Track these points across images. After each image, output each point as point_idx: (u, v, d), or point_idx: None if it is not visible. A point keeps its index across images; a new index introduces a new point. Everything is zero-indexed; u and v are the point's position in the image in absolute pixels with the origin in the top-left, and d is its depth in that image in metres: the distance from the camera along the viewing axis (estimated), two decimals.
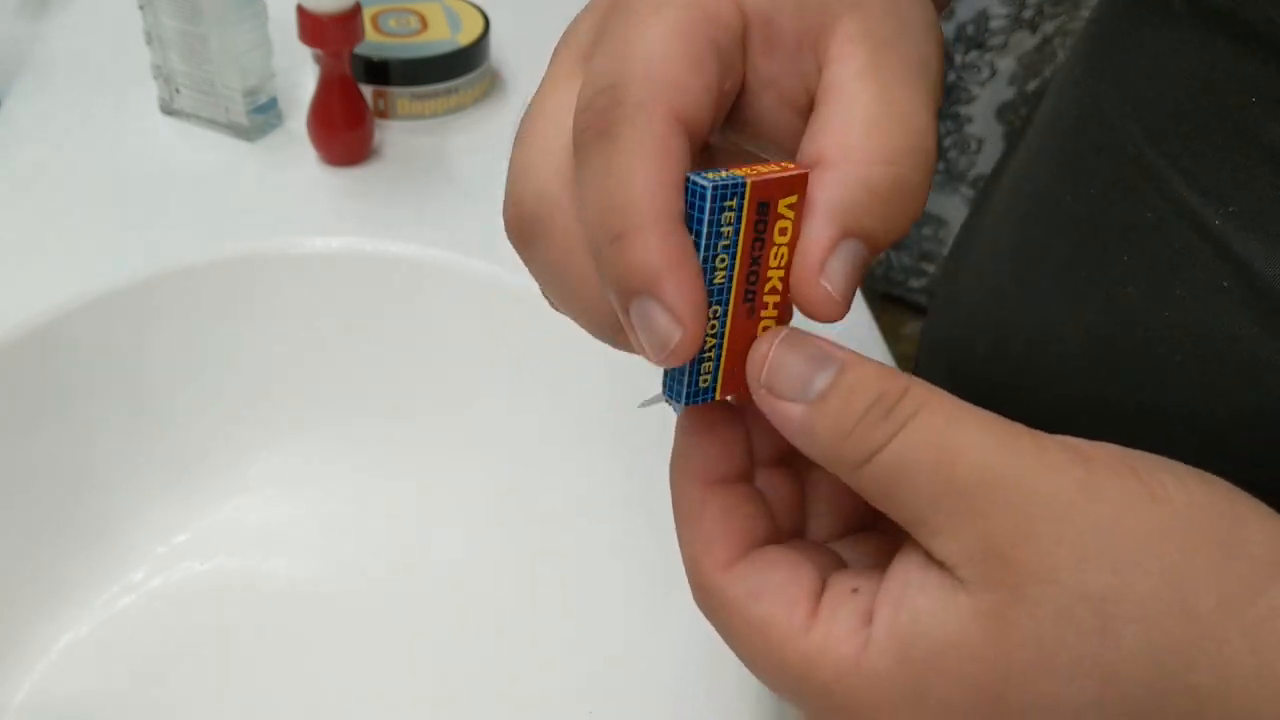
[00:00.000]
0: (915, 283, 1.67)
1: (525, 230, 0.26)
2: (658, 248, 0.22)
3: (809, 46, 0.24)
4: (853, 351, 0.23)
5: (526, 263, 0.27)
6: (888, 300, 1.68)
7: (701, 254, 0.23)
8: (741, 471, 0.26)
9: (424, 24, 0.65)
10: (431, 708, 0.49)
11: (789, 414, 0.23)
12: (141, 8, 0.58)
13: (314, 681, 0.49)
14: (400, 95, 0.63)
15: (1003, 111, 1.50)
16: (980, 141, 1.53)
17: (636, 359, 0.26)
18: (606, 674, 0.48)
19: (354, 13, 0.55)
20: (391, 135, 0.62)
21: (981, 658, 0.21)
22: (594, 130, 0.23)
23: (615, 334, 0.25)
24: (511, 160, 0.25)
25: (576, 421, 0.53)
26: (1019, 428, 0.23)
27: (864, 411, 0.22)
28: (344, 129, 0.58)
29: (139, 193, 0.56)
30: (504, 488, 0.54)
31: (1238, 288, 0.33)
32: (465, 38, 0.64)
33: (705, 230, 0.22)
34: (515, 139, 0.25)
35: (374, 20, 0.64)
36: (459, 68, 0.63)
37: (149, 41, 0.59)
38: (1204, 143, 0.35)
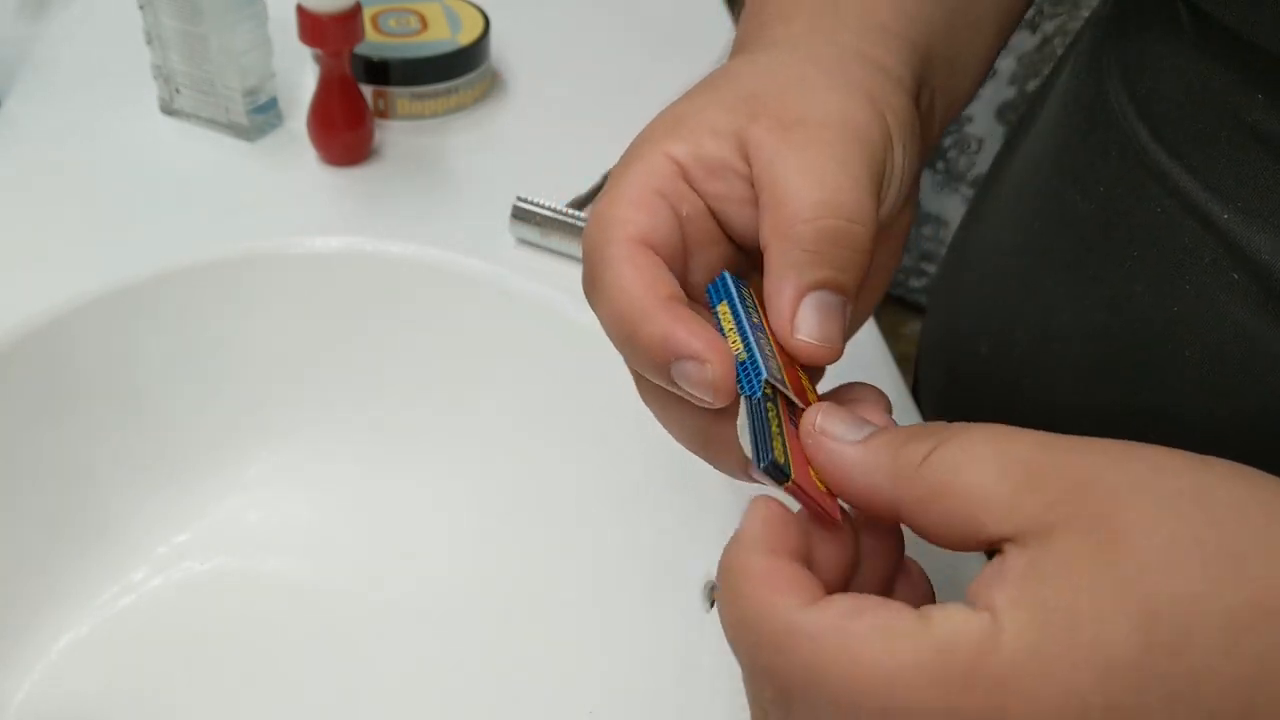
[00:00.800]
0: (915, 283, 1.67)
1: (640, 391, 0.30)
2: (652, 324, 0.26)
3: (736, 159, 0.28)
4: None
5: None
6: (887, 300, 1.69)
7: (741, 327, 0.27)
8: (805, 555, 0.26)
9: (424, 24, 0.65)
10: (431, 707, 0.49)
11: (843, 449, 0.25)
12: (141, 8, 0.58)
13: (314, 681, 0.49)
14: (400, 95, 0.63)
15: (1003, 111, 1.50)
16: (980, 141, 1.53)
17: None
18: (606, 674, 0.48)
19: (354, 13, 0.55)
20: (391, 135, 0.62)
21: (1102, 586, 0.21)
22: (587, 281, 0.29)
23: (701, 449, 0.29)
24: None
25: (576, 421, 0.53)
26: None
27: (910, 434, 0.24)
28: (344, 129, 0.58)
29: (139, 193, 0.56)
30: (504, 487, 0.54)
31: (1246, 282, 0.34)
32: (465, 38, 0.64)
33: (736, 306, 0.28)
34: None
35: (374, 20, 0.64)
36: (459, 68, 0.63)
37: (149, 41, 0.59)
38: (1210, 140, 0.35)
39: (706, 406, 0.26)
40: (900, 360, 0.54)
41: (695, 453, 0.29)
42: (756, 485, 0.27)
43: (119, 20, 0.67)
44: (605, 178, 0.59)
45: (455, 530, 0.54)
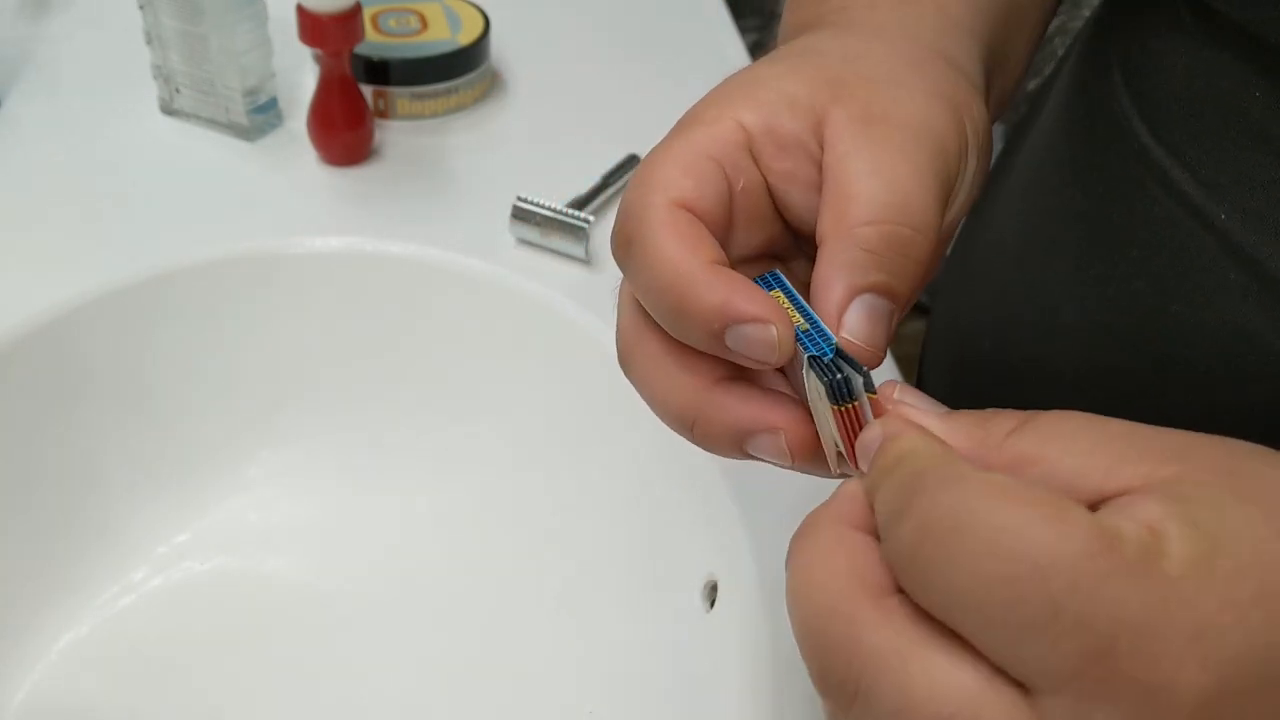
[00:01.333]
0: None
1: (625, 366, 0.29)
2: (708, 291, 0.25)
3: (811, 139, 0.27)
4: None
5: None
6: None
7: (798, 304, 0.27)
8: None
9: (424, 24, 0.65)
10: (431, 707, 0.49)
11: (927, 418, 0.24)
12: (141, 8, 0.58)
13: (314, 681, 0.49)
14: (400, 95, 0.63)
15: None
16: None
17: None
18: (606, 674, 0.48)
19: (354, 13, 0.55)
20: (391, 135, 0.62)
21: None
22: (622, 246, 0.27)
23: (686, 426, 0.28)
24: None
25: (577, 421, 0.53)
26: None
27: (994, 412, 0.24)
28: (344, 129, 0.58)
29: (139, 193, 0.56)
30: (504, 487, 0.54)
31: (1245, 281, 0.34)
32: (465, 37, 0.64)
33: (792, 294, 0.27)
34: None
35: (374, 20, 0.64)
36: (459, 68, 0.63)
37: (149, 41, 0.59)
38: (1209, 139, 0.35)
39: (762, 368, 0.26)
40: (901, 361, 0.54)
41: (682, 424, 0.28)
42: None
43: (119, 20, 0.67)
44: (605, 178, 0.59)
45: (455, 530, 0.54)
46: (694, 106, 0.29)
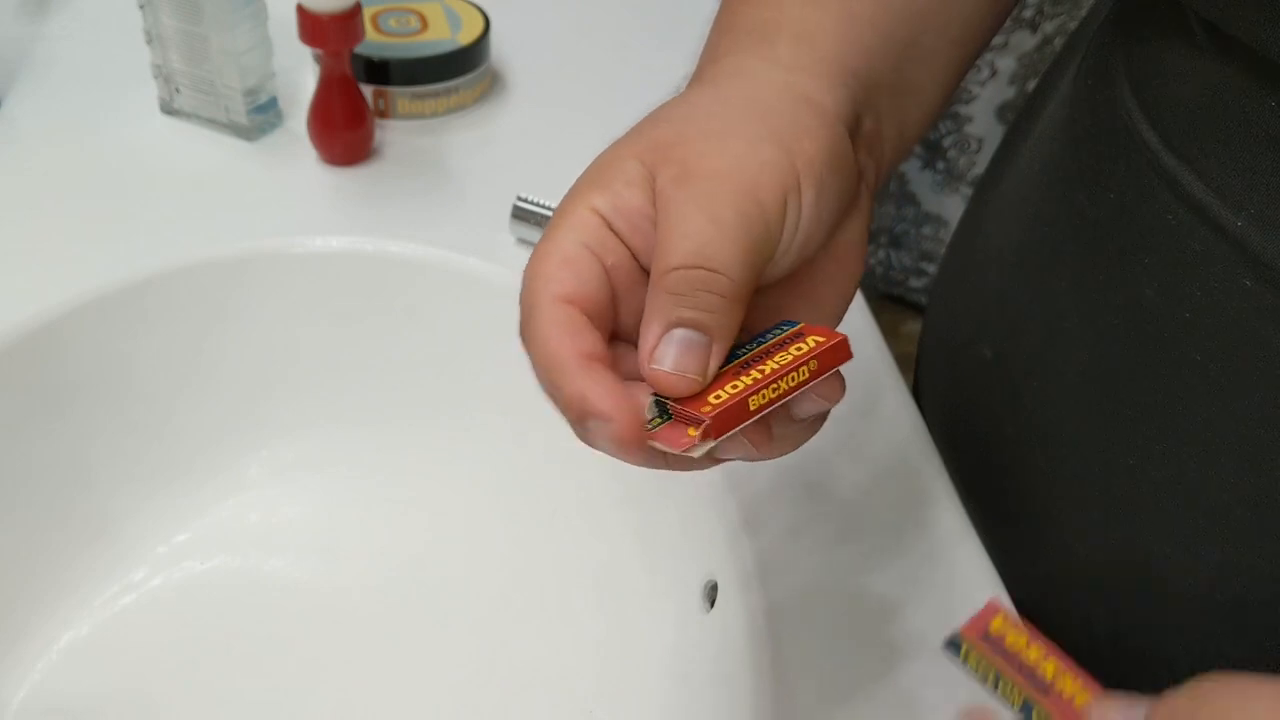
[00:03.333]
0: (915, 282, 1.67)
1: (526, 334, 0.32)
2: (570, 383, 0.28)
3: (650, 207, 0.31)
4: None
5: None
6: (888, 300, 1.69)
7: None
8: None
9: (424, 24, 0.65)
10: (431, 707, 0.49)
11: None
12: (141, 8, 0.58)
13: (314, 681, 0.49)
14: (400, 95, 0.63)
15: (1003, 111, 1.50)
16: (980, 141, 1.53)
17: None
18: (606, 674, 0.48)
19: (354, 12, 0.55)
20: (391, 135, 0.62)
21: None
22: (521, 336, 0.31)
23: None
24: None
25: None
26: None
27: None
28: (344, 129, 0.58)
29: (139, 193, 0.56)
30: (503, 487, 0.54)
31: (1258, 288, 0.34)
32: (465, 37, 0.64)
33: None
34: None
35: (374, 20, 0.64)
36: (459, 67, 0.63)
37: (149, 41, 0.59)
38: (1222, 145, 0.35)
39: (617, 456, 0.29)
40: (900, 360, 0.54)
41: (547, 379, 0.31)
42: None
43: (119, 20, 0.67)
44: None
45: (454, 530, 0.54)
46: (564, 198, 0.33)
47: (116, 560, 0.51)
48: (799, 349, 0.30)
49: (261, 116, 0.60)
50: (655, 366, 0.29)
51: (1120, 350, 0.39)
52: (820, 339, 0.30)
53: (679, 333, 0.29)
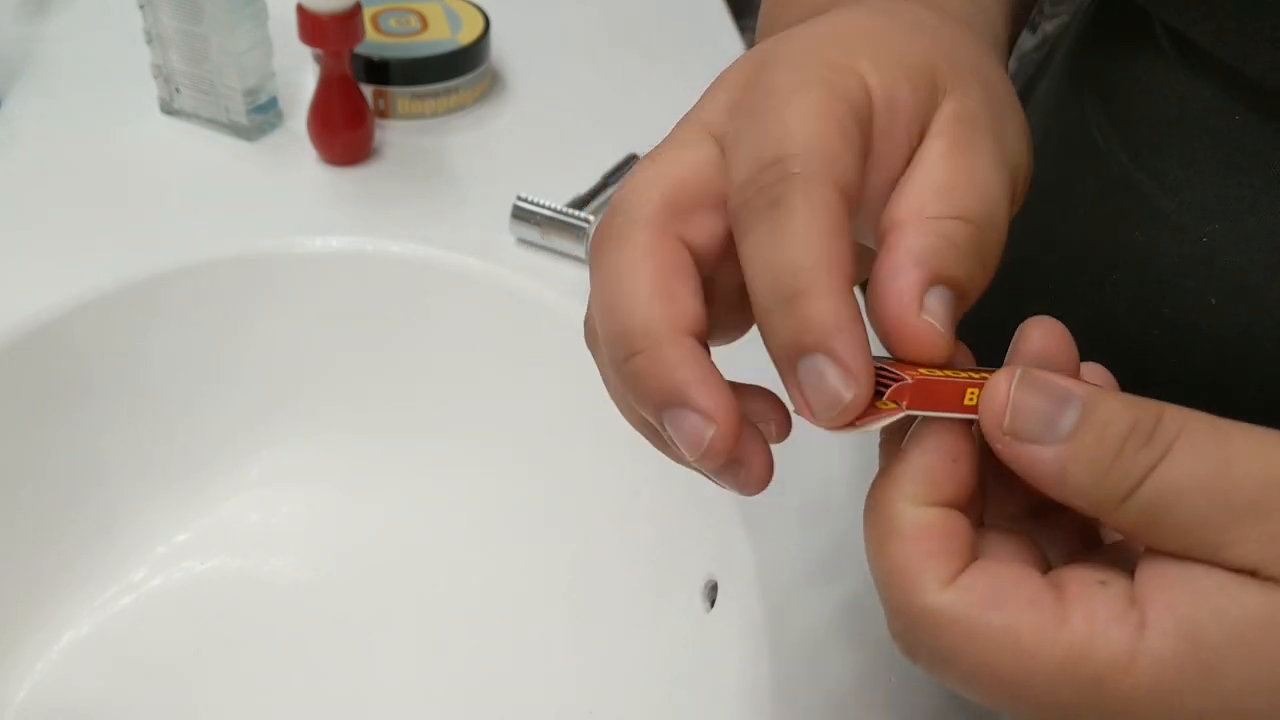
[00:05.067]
0: None
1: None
2: (833, 308, 0.22)
3: (918, 122, 0.25)
4: (1093, 384, 0.23)
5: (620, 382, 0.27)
6: None
7: None
8: (965, 501, 0.24)
9: (424, 24, 0.65)
10: (431, 707, 0.49)
11: (1039, 457, 0.22)
12: (141, 8, 0.58)
13: (314, 681, 0.49)
14: (400, 95, 0.63)
15: None
16: None
17: None
18: (607, 674, 0.48)
19: (354, 12, 0.55)
20: (391, 135, 0.62)
21: None
22: (764, 199, 0.23)
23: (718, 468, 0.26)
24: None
25: (576, 421, 0.53)
26: None
27: (1121, 444, 0.22)
28: (344, 129, 0.58)
29: (139, 193, 0.56)
30: (503, 487, 0.54)
31: (1227, 304, 0.34)
32: (465, 37, 0.64)
33: None
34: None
35: (374, 20, 0.64)
36: (459, 67, 0.63)
37: (149, 41, 0.59)
38: (1189, 160, 0.35)
39: (684, 462, 0.25)
40: None
41: (628, 341, 0.25)
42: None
43: (119, 20, 0.67)
44: (605, 178, 0.59)
45: (454, 530, 0.54)
46: (802, 42, 0.26)
47: (116, 560, 0.51)
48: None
49: (261, 116, 0.60)
50: (929, 318, 0.23)
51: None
52: None
53: (944, 291, 0.24)
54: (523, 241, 0.56)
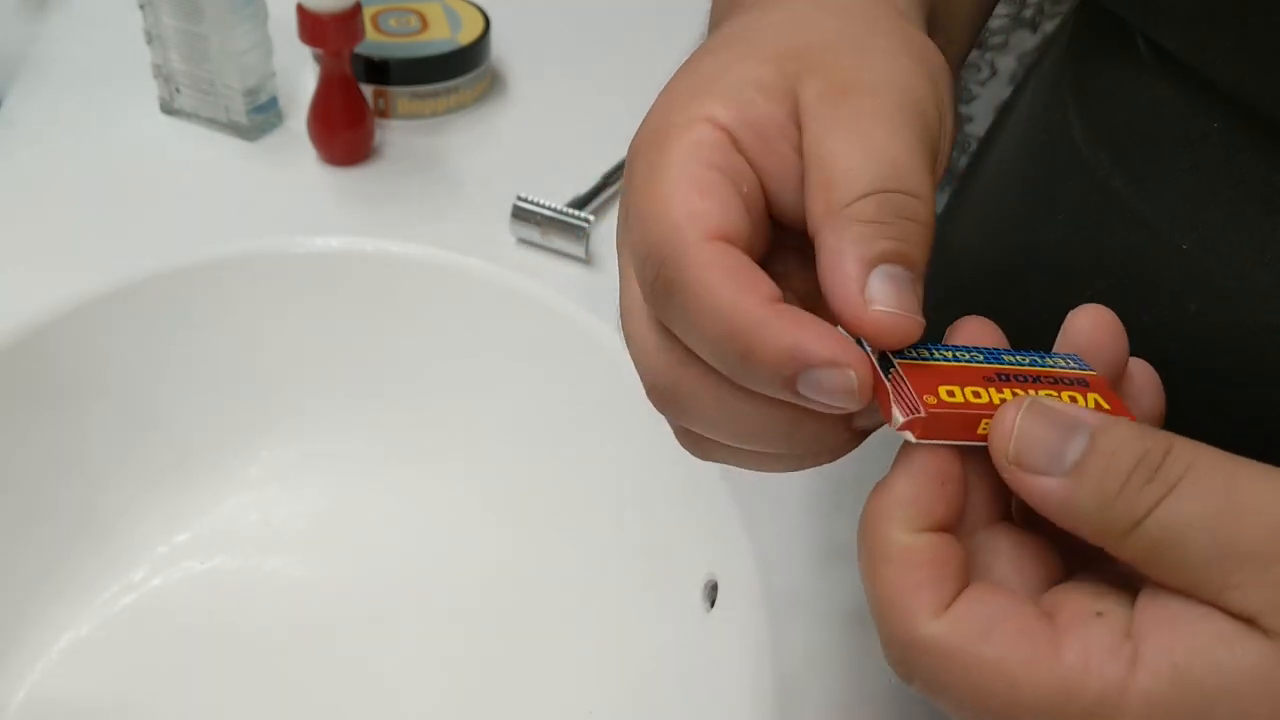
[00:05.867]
0: None
1: (673, 404, 0.27)
2: (781, 337, 0.22)
3: (789, 123, 0.25)
4: (1101, 413, 0.23)
5: (684, 426, 0.27)
6: None
7: None
8: (954, 522, 0.24)
9: (424, 23, 0.65)
10: (431, 707, 0.49)
11: (1046, 489, 0.22)
12: (141, 7, 0.58)
13: (314, 681, 0.49)
14: (400, 95, 0.63)
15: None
16: (980, 141, 1.54)
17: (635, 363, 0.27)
18: (606, 674, 0.48)
19: (354, 12, 0.55)
20: (391, 135, 0.62)
21: None
22: (660, 290, 0.24)
23: (800, 460, 0.26)
24: (630, 352, 0.27)
25: (576, 421, 0.53)
26: None
27: (1127, 476, 0.22)
28: (344, 129, 0.58)
29: (139, 193, 0.56)
30: (504, 487, 0.54)
31: (1205, 310, 0.34)
32: (465, 37, 0.64)
33: None
34: (624, 334, 0.27)
35: (374, 20, 0.64)
36: (459, 67, 0.63)
37: (149, 41, 0.59)
38: (1168, 167, 0.35)
39: (837, 412, 0.24)
40: None
41: (732, 344, 0.24)
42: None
43: (119, 20, 0.67)
44: (605, 178, 0.59)
45: (454, 529, 0.54)
46: (651, 115, 0.27)
47: (116, 560, 0.51)
48: (1074, 399, 0.24)
49: (261, 116, 0.60)
50: (879, 307, 0.23)
51: None
52: (1105, 405, 0.24)
53: (886, 268, 0.23)
54: (523, 241, 0.56)
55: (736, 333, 0.23)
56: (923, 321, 0.24)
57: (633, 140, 0.27)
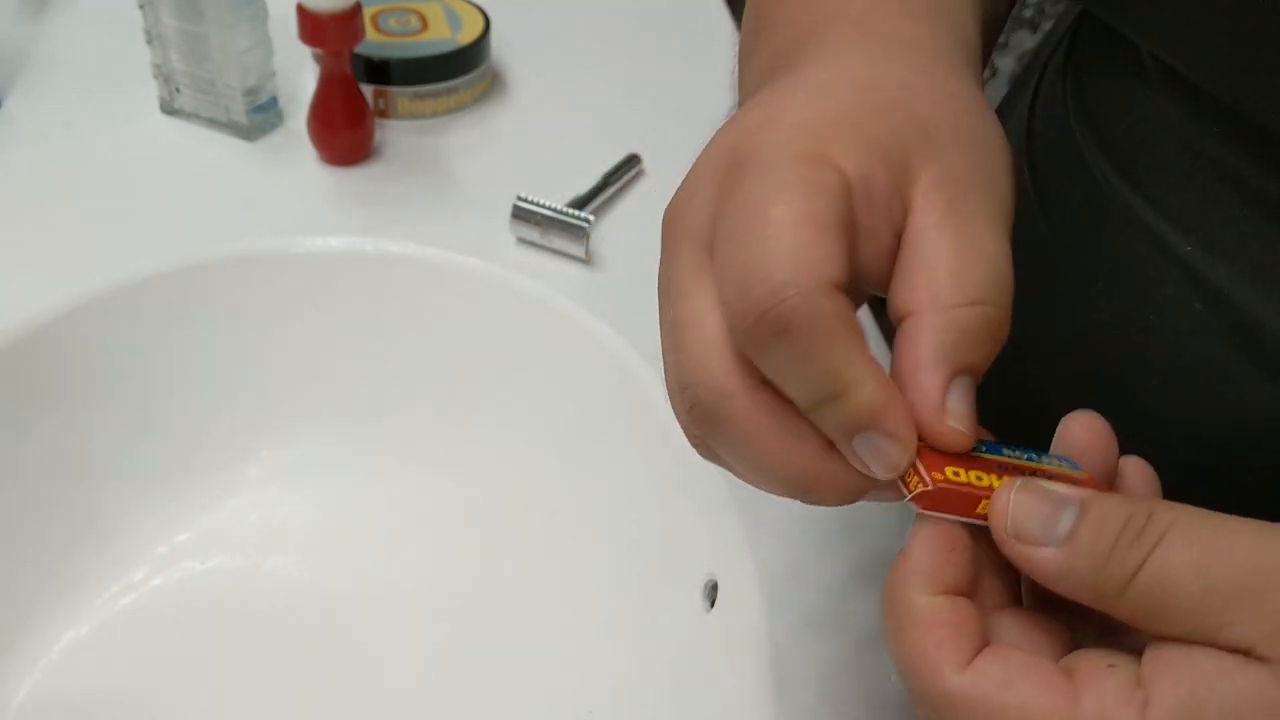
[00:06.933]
0: None
1: (708, 422, 0.27)
2: (873, 395, 0.24)
3: (897, 197, 0.26)
4: (1088, 489, 0.25)
5: (711, 445, 0.28)
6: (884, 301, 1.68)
7: None
8: (968, 585, 0.26)
9: (424, 23, 0.65)
10: (431, 707, 0.49)
11: (1043, 557, 0.24)
12: (141, 7, 0.58)
13: (314, 681, 0.49)
14: (400, 95, 0.63)
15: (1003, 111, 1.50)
16: None
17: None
18: (606, 674, 0.48)
19: (354, 12, 0.55)
20: (391, 135, 0.62)
21: None
22: (768, 327, 0.24)
23: (805, 491, 0.27)
24: (674, 364, 0.27)
25: (576, 421, 0.53)
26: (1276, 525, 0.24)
27: (1116, 536, 0.23)
28: (344, 128, 0.58)
29: (139, 193, 0.56)
30: (504, 487, 0.54)
31: (1207, 314, 0.34)
32: (465, 37, 0.64)
33: None
34: (669, 345, 0.27)
35: (374, 20, 0.64)
36: (459, 67, 0.63)
37: (149, 41, 0.59)
38: (1170, 173, 0.35)
39: (867, 472, 0.26)
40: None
41: (798, 489, 0.27)
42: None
43: (119, 20, 0.67)
44: (605, 178, 0.59)
45: (454, 529, 0.54)
46: (746, 130, 0.27)
47: (116, 560, 0.51)
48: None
49: (261, 116, 0.60)
50: (952, 422, 0.25)
51: (1080, 376, 0.39)
52: None
53: (963, 380, 0.25)
54: (523, 241, 0.56)
55: (840, 379, 0.24)
56: (973, 436, 0.26)
57: (717, 144, 0.27)
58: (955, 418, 0.25)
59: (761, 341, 0.24)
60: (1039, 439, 0.41)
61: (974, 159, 0.27)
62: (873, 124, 0.26)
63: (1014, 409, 0.43)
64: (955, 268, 0.25)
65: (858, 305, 0.28)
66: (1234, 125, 0.33)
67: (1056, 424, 0.36)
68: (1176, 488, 0.35)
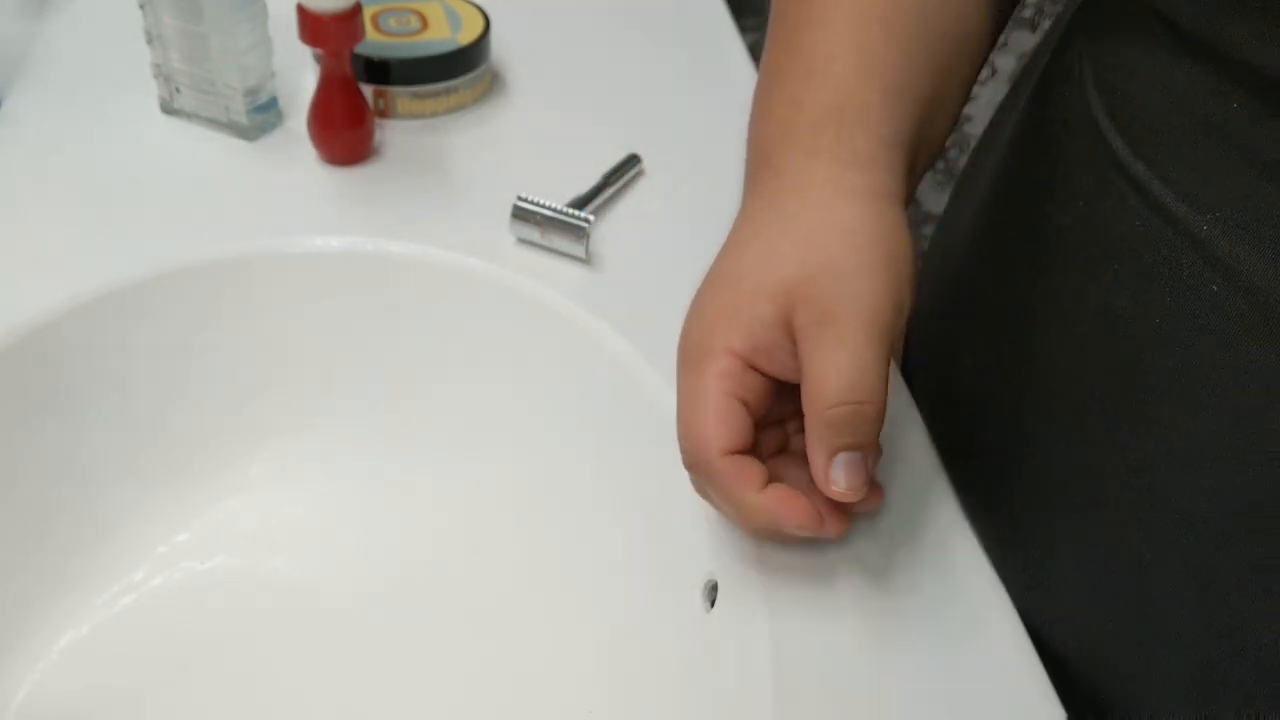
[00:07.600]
0: None
1: (695, 470, 0.39)
2: (763, 513, 0.37)
3: (785, 341, 0.37)
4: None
5: (701, 487, 0.40)
6: None
7: None
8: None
9: (424, 23, 0.65)
10: (431, 707, 0.49)
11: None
12: (141, 7, 0.58)
13: (314, 680, 0.49)
14: (400, 95, 0.63)
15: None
16: (979, 140, 1.53)
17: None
18: (606, 674, 0.48)
19: (354, 12, 0.55)
20: (391, 135, 0.62)
21: None
22: (697, 472, 0.38)
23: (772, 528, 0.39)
24: (692, 424, 0.38)
25: (576, 421, 0.53)
26: None
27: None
28: (344, 128, 0.58)
29: (139, 193, 0.56)
30: (504, 486, 0.54)
31: (1225, 294, 0.34)
32: (465, 37, 0.64)
33: None
34: (688, 414, 0.38)
35: (374, 20, 0.64)
36: (459, 67, 0.63)
37: (149, 41, 0.59)
38: (1188, 152, 0.35)
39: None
40: (898, 360, 0.54)
41: (767, 532, 0.41)
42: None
43: (119, 20, 0.67)
44: (605, 178, 0.59)
45: (454, 529, 0.54)
46: (693, 335, 0.38)
47: (116, 560, 0.51)
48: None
49: (261, 116, 0.60)
50: (836, 488, 0.36)
51: (1093, 359, 0.39)
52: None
53: (844, 456, 0.36)
54: (523, 241, 0.56)
55: (743, 505, 0.37)
56: (865, 489, 0.37)
57: (681, 340, 0.39)
58: (837, 483, 0.36)
59: (696, 476, 0.38)
60: (1056, 417, 0.41)
61: (847, 290, 0.36)
62: (759, 302, 0.37)
63: (1030, 392, 0.43)
64: (819, 382, 0.35)
65: None
66: (1256, 97, 0.32)
67: (1075, 404, 0.39)
68: (1187, 471, 0.35)
